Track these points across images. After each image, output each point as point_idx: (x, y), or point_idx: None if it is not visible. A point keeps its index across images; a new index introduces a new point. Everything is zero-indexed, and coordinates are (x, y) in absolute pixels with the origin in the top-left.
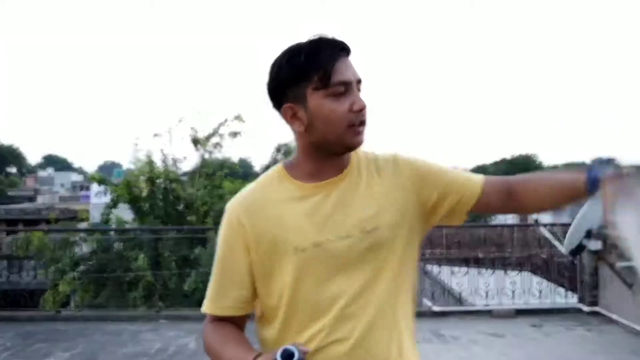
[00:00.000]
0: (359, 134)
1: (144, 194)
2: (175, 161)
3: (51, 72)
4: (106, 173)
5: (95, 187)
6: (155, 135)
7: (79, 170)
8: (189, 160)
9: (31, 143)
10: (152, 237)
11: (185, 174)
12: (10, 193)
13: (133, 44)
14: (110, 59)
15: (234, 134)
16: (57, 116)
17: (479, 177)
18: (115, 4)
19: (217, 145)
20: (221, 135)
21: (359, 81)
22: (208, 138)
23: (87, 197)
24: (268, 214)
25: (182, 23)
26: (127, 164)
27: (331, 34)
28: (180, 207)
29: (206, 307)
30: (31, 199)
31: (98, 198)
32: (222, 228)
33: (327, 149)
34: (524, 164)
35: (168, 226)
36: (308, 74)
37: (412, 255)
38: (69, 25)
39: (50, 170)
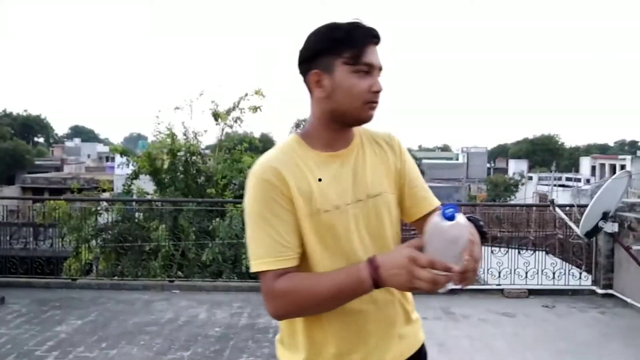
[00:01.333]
0: (372, 109)
1: (165, 166)
2: (196, 134)
3: (80, 45)
4: (131, 145)
5: (118, 159)
6: (177, 108)
7: (105, 142)
8: (209, 134)
9: (59, 114)
10: (172, 208)
11: (206, 147)
12: (37, 162)
13: (160, 24)
14: (139, 34)
15: (255, 109)
16: (85, 88)
17: (435, 200)
18: None
19: (237, 119)
20: (241, 110)
21: (380, 68)
22: (228, 112)
23: (112, 168)
24: (302, 174)
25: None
26: (151, 136)
27: (368, 23)
28: (201, 179)
29: (266, 265)
30: (58, 168)
31: (121, 169)
32: (258, 186)
33: (340, 118)
34: (545, 144)
35: (188, 198)
36: (342, 48)
37: (399, 219)
38: None
39: (77, 141)
